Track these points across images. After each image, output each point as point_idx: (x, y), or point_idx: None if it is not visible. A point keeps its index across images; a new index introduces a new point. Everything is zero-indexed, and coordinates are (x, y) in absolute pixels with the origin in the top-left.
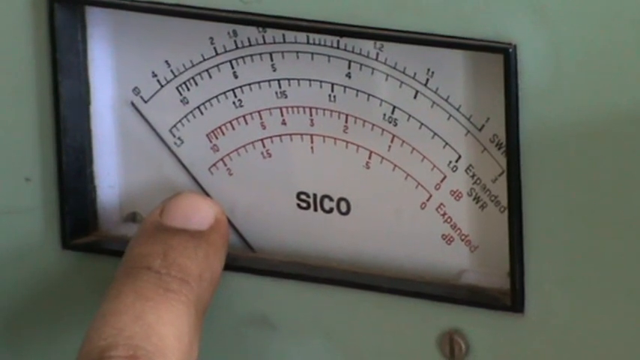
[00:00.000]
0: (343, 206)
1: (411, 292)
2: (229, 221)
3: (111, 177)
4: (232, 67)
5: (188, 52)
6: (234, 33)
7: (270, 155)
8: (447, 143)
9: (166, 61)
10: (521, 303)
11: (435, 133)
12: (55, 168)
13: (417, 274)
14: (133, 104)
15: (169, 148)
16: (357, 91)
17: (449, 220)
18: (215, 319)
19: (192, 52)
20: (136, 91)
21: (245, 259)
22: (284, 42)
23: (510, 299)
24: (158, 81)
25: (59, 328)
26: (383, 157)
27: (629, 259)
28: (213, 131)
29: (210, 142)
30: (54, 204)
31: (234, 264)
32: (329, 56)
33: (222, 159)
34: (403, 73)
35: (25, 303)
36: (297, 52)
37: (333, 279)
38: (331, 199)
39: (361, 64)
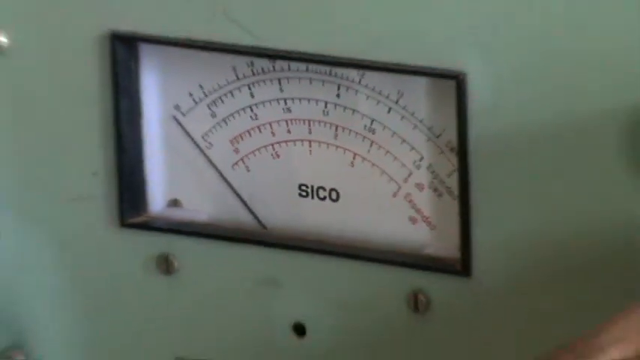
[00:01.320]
0: (334, 195)
1: (385, 260)
2: (247, 206)
3: (157, 172)
4: (249, 89)
5: (216, 77)
6: (252, 63)
7: (278, 156)
8: (412, 147)
9: (200, 85)
10: (468, 269)
11: (404, 140)
12: (115, 165)
13: (389, 247)
14: (174, 118)
15: (202, 150)
16: (345, 107)
17: (414, 205)
18: (236, 282)
19: (219, 77)
20: (177, 107)
21: (259, 234)
22: (289, 70)
23: (460, 266)
24: (194, 100)
25: (116, 287)
26: (364, 158)
27: (553, 233)
28: (235, 137)
29: (233, 145)
30: (114, 192)
31: (250, 238)
32: (323, 81)
33: (242, 159)
34: (379, 94)
35: (92, 270)
36: (299, 77)
37: (326, 250)
38: (324, 190)
39: (347, 87)
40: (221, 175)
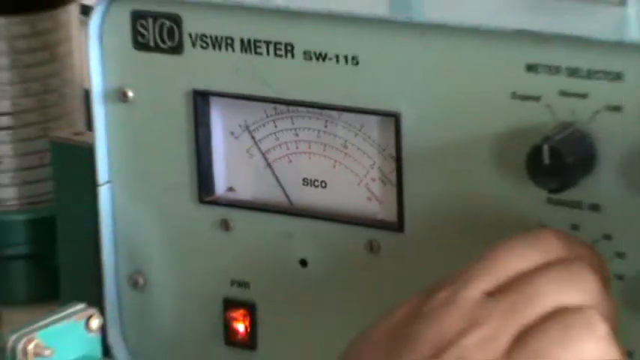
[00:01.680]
0: (323, 184)
1: (354, 222)
2: (293, 191)
3: (221, 170)
4: (274, 123)
5: (254, 116)
6: (274, 107)
7: (291, 162)
8: (369, 157)
9: (245, 119)
10: (402, 227)
11: (364, 152)
12: (196, 167)
13: (356, 214)
14: (232, 133)
15: (251, 155)
16: (329, 133)
17: (370, 190)
18: (269, 236)
19: (256, 116)
20: (232, 133)
21: (285, 207)
22: (297, 111)
23: (397, 225)
24: (240, 128)
25: (195, 241)
26: (341, 163)
27: (460, 205)
28: (267, 150)
29: (266, 155)
30: (195, 182)
31: (279, 210)
32: (317, 117)
33: (270, 163)
34: (350, 125)
35: (181, 229)
36: (303, 115)
37: (318, 216)
38: (318, 181)
39: (331, 121)
40: (264, 170)
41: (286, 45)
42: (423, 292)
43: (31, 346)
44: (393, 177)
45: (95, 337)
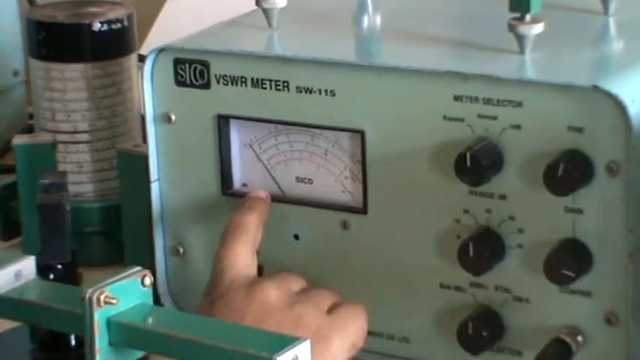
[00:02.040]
0: (310, 181)
1: (332, 208)
2: (278, 185)
3: (237, 171)
4: (275, 138)
5: (260, 132)
6: (275, 126)
7: (287, 165)
8: (343, 161)
9: (254, 135)
10: (366, 211)
11: (340, 159)
12: (219, 170)
13: (334, 202)
14: (245, 145)
15: (259, 160)
16: (314, 145)
17: (344, 185)
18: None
19: (263, 132)
20: (245, 145)
21: (280, 196)
22: (292, 129)
23: (363, 210)
24: (256, 140)
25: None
26: (323, 166)
27: (410, 194)
28: (270, 158)
29: (268, 160)
30: (219, 180)
31: (276, 199)
32: (305, 133)
33: (272, 166)
34: (329, 138)
35: (208, 211)
36: (296, 132)
37: (307, 204)
38: (306, 179)
39: (316, 137)
40: (268, 171)
41: (283, 82)
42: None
43: (102, 297)
44: (360, 176)
45: (148, 291)
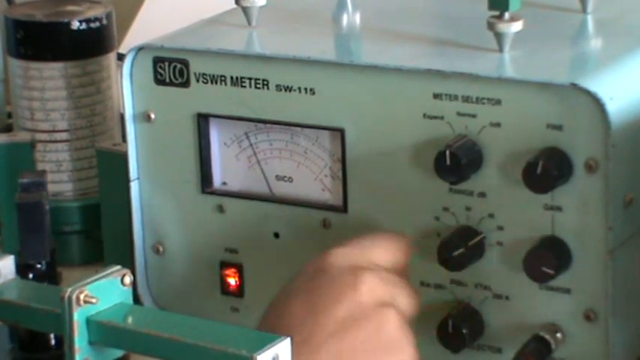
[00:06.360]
0: (290, 180)
1: (313, 206)
2: (269, 184)
3: (217, 170)
4: (255, 136)
5: (240, 130)
6: (255, 125)
7: (267, 163)
8: (323, 159)
9: (229, 137)
10: (346, 210)
11: (320, 157)
12: (199, 168)
13: (314, 200)
14: (225, 144)
15: (237, 155)
16: (295, 143)
17: (324, 183)
18: (255, 214)
19: (242, 130)
20: (225, 144)
21: (267, 195)
22: (271, 127)
23: (343, 208)
24: (235, 139)
25: (196, 216)
26: (303, 164)
27: (391, 192)
28: (249, 156)
29: (249, 158)
30: (199, 179)
31: (262, 197)
32: (285, 131)
33: (257, 162)
34: (309, 137)
35: (189, 208)
36: (277, 130)
37: (288, 202)
38: (287, 177)
39: (296, 135)
40: (248, 169)
41: (263, 80)
42: (317, 261)
43: (82, 296)
44: (340, 174)
45: (128, 290)
